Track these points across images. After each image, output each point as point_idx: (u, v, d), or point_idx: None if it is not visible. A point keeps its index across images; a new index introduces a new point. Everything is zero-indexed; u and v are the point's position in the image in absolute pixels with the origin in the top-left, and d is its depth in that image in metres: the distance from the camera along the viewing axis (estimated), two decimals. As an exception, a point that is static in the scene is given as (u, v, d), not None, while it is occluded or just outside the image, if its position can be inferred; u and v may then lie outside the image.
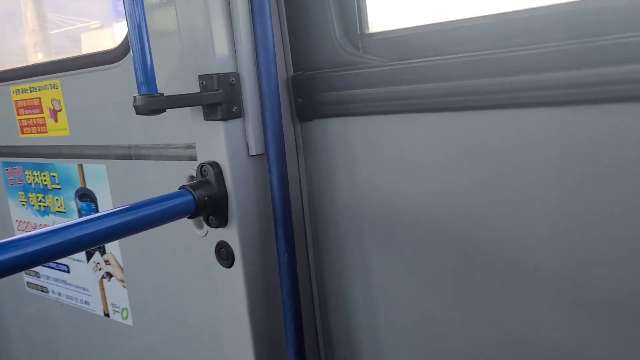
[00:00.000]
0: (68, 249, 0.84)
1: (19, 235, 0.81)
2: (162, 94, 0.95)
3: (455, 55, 0.93)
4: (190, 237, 1.19)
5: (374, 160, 1.06)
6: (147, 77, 0.92)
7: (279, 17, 1.10)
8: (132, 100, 0.94)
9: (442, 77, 0.93)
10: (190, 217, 1.03)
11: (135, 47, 0.91)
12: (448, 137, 0.96)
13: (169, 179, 1.24)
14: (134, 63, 0.92)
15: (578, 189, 0.84)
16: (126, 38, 1.25)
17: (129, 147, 1.32)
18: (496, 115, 0.90)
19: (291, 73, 1.12)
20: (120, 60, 1.27)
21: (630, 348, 0.84)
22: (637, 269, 0.81)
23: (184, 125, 1.16)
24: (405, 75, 0.97)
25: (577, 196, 0.84)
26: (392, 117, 1.01)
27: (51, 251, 0.82)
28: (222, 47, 1.01)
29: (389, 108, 1.01)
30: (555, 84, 0.82)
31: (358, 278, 1.13)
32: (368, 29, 1.08)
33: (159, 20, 1.12)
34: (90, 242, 0.87)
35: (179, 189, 1.02)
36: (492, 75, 0.88)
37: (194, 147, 1.14)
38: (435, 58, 0.95)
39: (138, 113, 0.93)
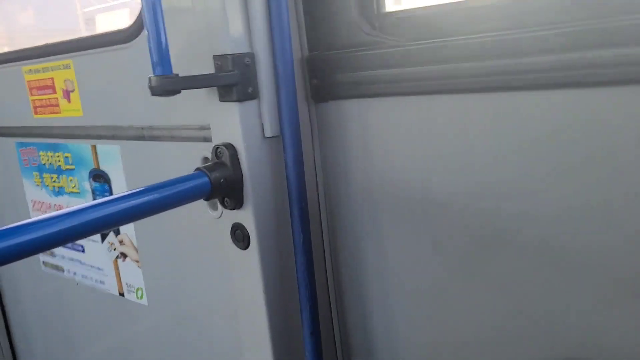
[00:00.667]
0: (85, 231, 0.84)
1: (36, 217, 0.81)
2: (177, 75, 0.94)
3: (474, 36, 0.91)
4: (204, 218, 1.20)
5: (390, 142, 1.04)
6: (162, 57, 0.91)
7: (295, -5, 1.08)
8: (146, 80, 0.94)
9: (460, 57, 0.91)
10: (206, 199, 1.03)
11: (150, 27, 0.90)
12: (465, 118, 0.94)
13: (182, 160, 1.24)
14: (149, 43, 0.91)
15: (595, 169, 0.83)
16: (139, 17, 1.23)
17: (143, 128, 1.32)
18: (514, 97, 0.88)
19: (306, 53, 1.11)
20: (133, 39, 1.26)
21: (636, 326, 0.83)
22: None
23: (198, 107, 1.15)
24: (423, 55, 0.96)
25: (593, 177, 0.83)
26: (409, 99, 1.00)
27: (68, 234, 0.82)
28: (237, 26, 1.00)
29: (406, 89, 0.99)
30: (573, 65, 0.80)
31: (372, 260, 1.13)
32: (385, 7, 1.06)
33: (174, 0, 1.10)
34: (107, 224, 0.87)
35: (195, 170, 1.01)
36: (509, 56, 0.86)
37: (208, 129, 1.13)
38: (454, 38, 0.93)
39: (153, 94, 0.93)
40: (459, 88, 0.93)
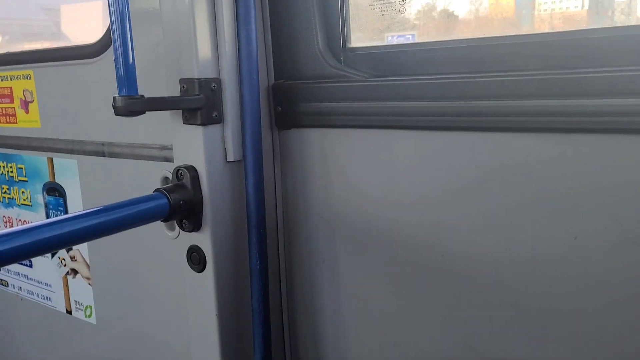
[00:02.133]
0: (38, 249, 0.82)
1: None
2: (142, 96, 0.94)
3: (433, 77, 0.95)
4: (160, 238, 1.19)
5: (349, 173, 1.07)
6: (128, 78, 0.91)
7: (263, 25, 1.11)
8: (109, 96, 0.93)
9: (419, 96, 0.96)
10: (163, 221, 1.02)
11: (118, 47, 0.90)
12: (422, 154, 0.98)
13: (142, 178, 1.23)
14: (116, 63, 0.91)
15: (544, 212, 0.87)
16: (107, 34, 1.23)
17: (103, 144, 1.31)
18: (469, 137, 0.93)
19: (272, 81, 1.13)
20: (99, 55, 1.25)
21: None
22: (595, 292, 0.85)
23: (160, 126, 1.15)
24: (385, 91, 0.99)
25: (543, 219, 0.88)
26: (369, 132, 1.03)
27: (20, 251, 0.80)
28: (205, 52, 1.01)
29: (367, 122, 1.03)
30: (526, 112, 0.86)
31: (327, 287, 1.15)
32: (350, 42, 1.10)
33: (143, 21, 1.11)
34: (61, 243, 0.85)
35: (154, 191, 1.01)
36: (466, 99, 0.91)
37: (169, 149, 1.14)
38: (414, 77, 0.97)
39: (117, 114, 0.92)
40: (417, 125, 0.97)
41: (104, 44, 1.24)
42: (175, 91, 1.04)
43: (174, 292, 1.24)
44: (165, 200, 0.99)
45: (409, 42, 1.09)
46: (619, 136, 0.80)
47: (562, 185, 0.85)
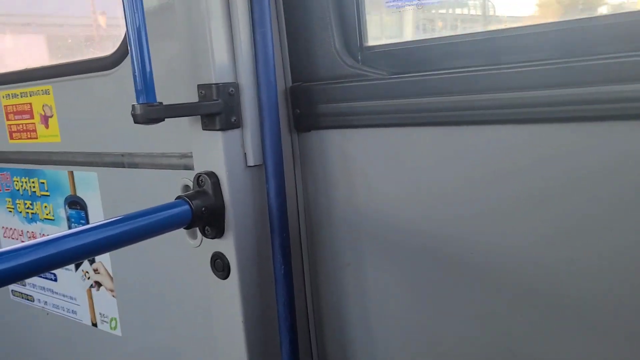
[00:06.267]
0: (61, 260, 0.82)
1: (10, 246, 0.78)
2: (161, 103, 0.94)
3: (453, 70, 0.93)
4: (183, 247, 1.18)
5: (371, 173, 1.05)
6: (146, 85, 0.91)
7: (279, 27, 1.10)
8: (127, 107, 0.93)
9: (439, 91, 0.94)
10: (186, 228, 1.01)
11: (135, 55, 0.90)
12: (445, 150, 0.96)
13: (162, 188, 1.23)
14: (133, 71, 0.91)
15: (575, 204, 0.85)
16: (123, 45, 1.23)
17: (122, 155, 1.31)
18: (492, 130, 0.90)
19: (290, 84, 1.12)
20: (116, 66, 1.26)
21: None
22: (630, 285, 0.82)
23: (179, 134, 1.15)
24: (404, 88, 0.98)
25: (570, 208, 0.85)
26: (390, 130, 1.02)
27: (44, 263, 0.79)
28: (222, 57, 1.01)
29: (387, 121, 1.01)
30: (546, 102, 0.83)
31: (353, 291, 1.12)
32: (368, 41, 1.09)
33: (159, 28, 1.11)
34: (85, 253, 0.85)
35: (176, 199, 1.00)
36: (487, 91, 0.89)
37: (189, 157, 1.13)
38: (434, 72, 0.95)
39: (136, 122, 0.92)
40: (438, 121, 0.95)
41: (121, 55, 1.25)
42: (193, 97, 1.03)
43: (199, 301, 1.23)
44: (187, 207, 0.99)
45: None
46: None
47: (592, 176, 0.82)
